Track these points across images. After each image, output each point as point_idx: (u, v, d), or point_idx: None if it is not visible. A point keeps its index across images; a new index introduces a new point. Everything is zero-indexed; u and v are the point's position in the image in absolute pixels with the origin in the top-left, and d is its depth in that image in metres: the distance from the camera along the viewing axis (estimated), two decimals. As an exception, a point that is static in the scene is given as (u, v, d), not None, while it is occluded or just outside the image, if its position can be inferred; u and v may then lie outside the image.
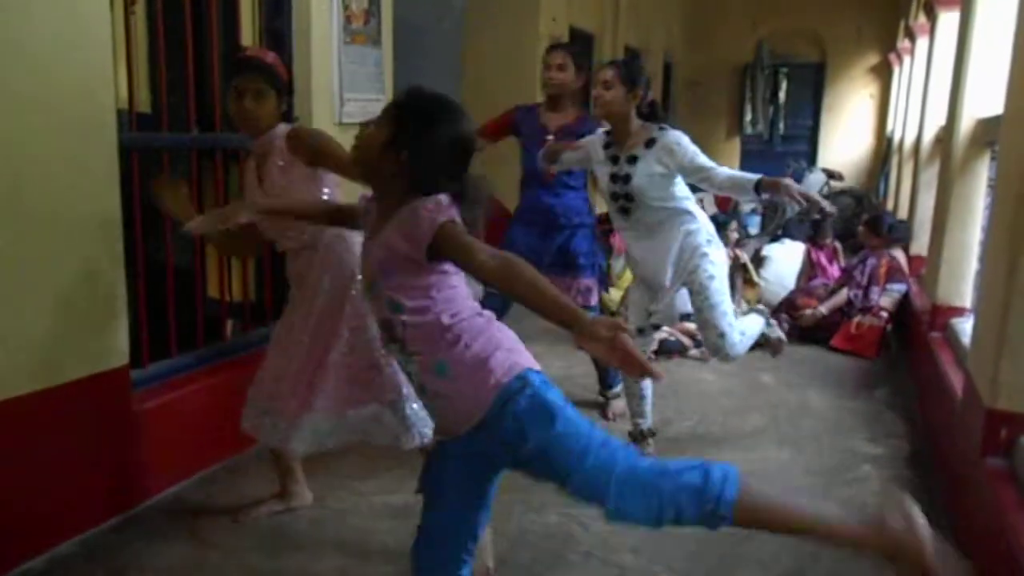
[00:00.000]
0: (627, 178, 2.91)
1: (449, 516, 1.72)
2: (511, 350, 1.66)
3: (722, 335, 2.99)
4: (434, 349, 1.63)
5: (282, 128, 2.36)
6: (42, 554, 2.36)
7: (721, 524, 1.61)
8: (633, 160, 2.91)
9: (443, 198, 1.60)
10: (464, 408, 1.63)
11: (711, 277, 2.97)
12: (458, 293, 1.67)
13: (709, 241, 3.01)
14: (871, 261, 5.08)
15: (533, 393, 1.60)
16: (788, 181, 2.77)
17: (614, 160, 2.97)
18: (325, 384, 2.34)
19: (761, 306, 4.06)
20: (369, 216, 1.76)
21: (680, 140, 2.88)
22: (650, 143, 2.90)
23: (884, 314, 4.89)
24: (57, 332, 2.35)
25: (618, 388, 3.68)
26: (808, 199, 2.72)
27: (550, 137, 3.34)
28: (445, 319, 1.63)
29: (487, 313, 1.71)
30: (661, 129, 2.92)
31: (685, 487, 1.58)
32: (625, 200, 2.95)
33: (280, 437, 2.40)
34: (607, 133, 3.04)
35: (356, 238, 2.30)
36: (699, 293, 2.98)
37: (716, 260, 3.00)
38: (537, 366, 1.67)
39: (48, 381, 2.33)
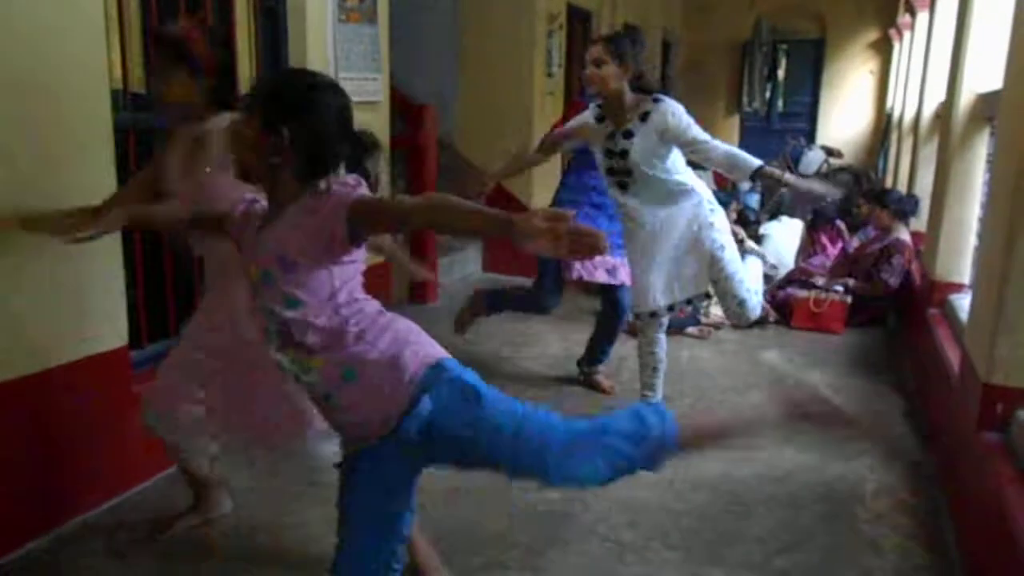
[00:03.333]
0: (624, 153, 2.89)
1: (373, 529, 1.65)
2: (419, 343, 1.60)
3: (742, 303, 3.01)
4: (338, 349, 1.55)
5: (224, 119, 2.05)
6: (44, 535, 2.38)
7: (666, 459, 1.64)
8: (629, 135, 2.89)
9: (349, 178, 1.53)
10: (378, 411, 1.56)
11: (721, 247, 2.98)
12: (357, 285, 1.60)
13: (712, 210, 3.01)
14: (898, 259, 4.84)
15: (451, 377, 1.56)
16: (791, 178, 2.74)
17: (610, 136, 2.95)
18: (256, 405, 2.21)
19: (755, 247, 4.05)
20: (250, 216, 1.65)
21: (676, 110, 2.86)
22: (645, 116, 2.88)
23: (841, 288, 4.87)
24: (56, 313, 2.36)
25: (603, 366, 3.76)
26: (810, 195, 2.71)
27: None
28: (346, 312, 1.56)
29: (388, 312, 1.63)
30: (655, 101, 2.89)
31: (626, 436, 1.59)
32: (624, 175, 2.94)
33: (198, 453, 2.33)
34: (598, 107, 3.02)
35: None
36: (713, 265, 2.98)
37: (721, 227, 3.01)
38: (448, 355, 1.62)
39: (47, 362, 2.34)
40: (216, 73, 2.14)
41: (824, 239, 5.81)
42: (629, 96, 2.90)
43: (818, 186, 2.90)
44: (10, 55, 2.15)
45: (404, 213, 1.46)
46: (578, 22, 7.18)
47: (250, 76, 3.32)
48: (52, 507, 2.42)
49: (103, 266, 2.49)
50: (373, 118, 3.84)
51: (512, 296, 3.86)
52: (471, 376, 1.60)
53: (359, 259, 1.59)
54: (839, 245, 5.71)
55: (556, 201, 3.64)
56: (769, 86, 11.08)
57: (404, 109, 4.79)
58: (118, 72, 2.72)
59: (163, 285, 2.91)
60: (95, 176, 2.42)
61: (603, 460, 1.56)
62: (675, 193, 2.95)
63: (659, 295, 3.08)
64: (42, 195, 2.27)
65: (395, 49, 3.95)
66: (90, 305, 2.46)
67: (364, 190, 1.52)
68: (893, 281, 4.83)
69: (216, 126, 2.08)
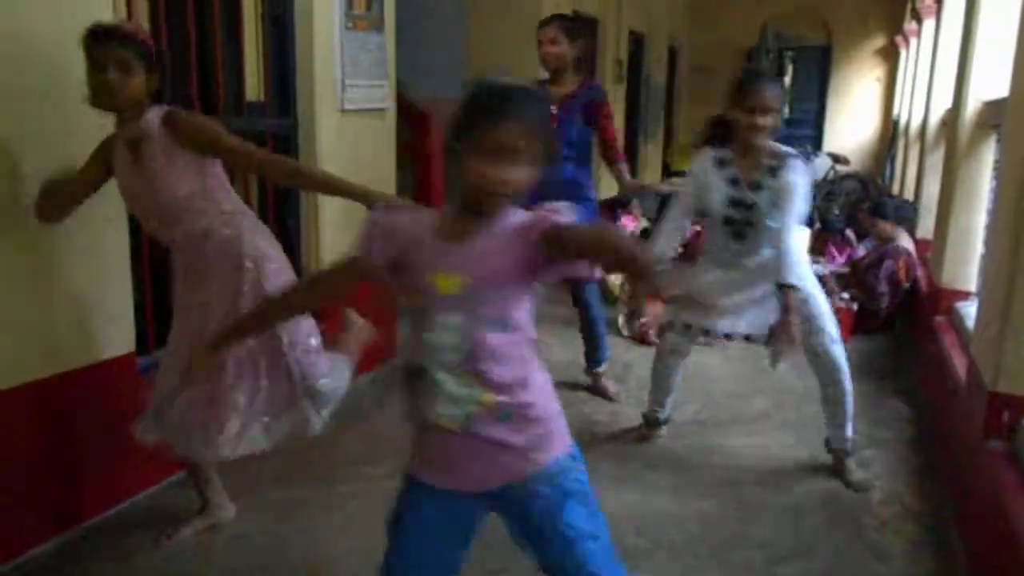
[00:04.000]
0: (751, 206, 2.77)
1: (435, 562, 1.57)
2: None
3: (835, 340, 2.87)
4: (516, 380, 1.47)
5: (155, 111, 2.14)
6: (50, 540, 2.39)
7: None
8: (757, 187, 2.76)
9: (558, 205, 1.43)
10: (515, 464, 1.48)
11: (813, 284, 2.86)
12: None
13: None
14: (888, 264, 4.85)
15: (582, 477, 1.53)
16: (794, 318, 2.62)
17: (733, 182, 2.80)
18: (244, 386, 2.23)
19: None
20: (416, 225, 1.50)
21: (800, 182, 2.73)
22: (774, 171, 2.75)
23: (847, 296, 4.86)
24: (64, 319, 2.37)
25: (603, 367, 3.77)
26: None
27: (553, 108, 3.36)
28: (531, 352, 1.51)
29: None
30: (787, 157, 2.76)
31: None
32: (744, 225, 2.81)
33: (199, 449, 2.27)
34: (720, 151, 2.85)
35: (245, 221, 2.27)
36: (805, 301, 2.78)
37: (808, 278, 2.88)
38: None
39: (56, 368, 2.35)
40: (158, 68, 2.18)
41: (832, 248, 5.81)
42: (765, 144, 2.77)
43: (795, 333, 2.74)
44: (16, 63, 2.17)
45: (582, 241, 1.36)
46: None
47: (257, 83, 3.34)
48: (58, 512, 2.43)
49: (111, 272, 2.51)
50: (381, 125, 3.85)
51: None
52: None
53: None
54: (847, 253, 5.70)
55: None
56: (775, 92, 11.07)
57: (409, 115, 4.80)
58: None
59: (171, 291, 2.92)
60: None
61: None
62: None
63: (725, 320, 2.94)
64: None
65: (400, 54, 3.97)
66: (98, 311, 2.48)
67: (572, 218, 1.42)
68: (881, 287, 4.83)
69: (154, 121, 2.13)
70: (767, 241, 2.80)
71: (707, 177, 2.83)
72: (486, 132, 1.38)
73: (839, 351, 2.89)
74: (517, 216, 1.44)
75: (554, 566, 1.52)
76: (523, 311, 1.48)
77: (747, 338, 2.95)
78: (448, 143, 1.44)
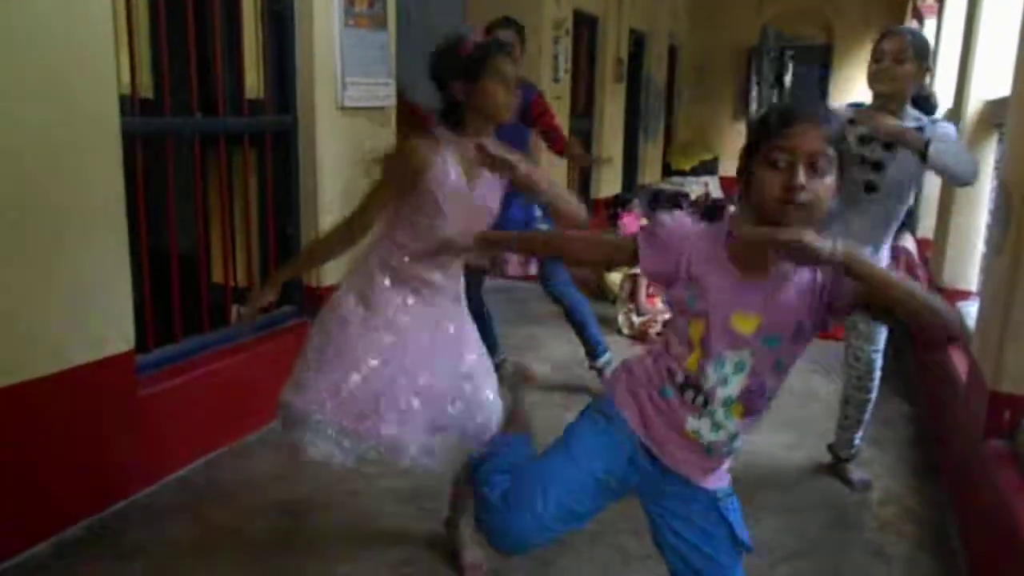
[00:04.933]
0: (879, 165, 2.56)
1: (574, 475, 1.59)
2: None
3: (878, 349, 2.78)
4: (759, 418, 1.56)
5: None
6: (48, 538, 2.38)
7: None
8: (890, 146, 2.53)
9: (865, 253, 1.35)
10: (711, 475, 1.60)
11: None
12: None
13: None
14: (889, 263, 4.90)
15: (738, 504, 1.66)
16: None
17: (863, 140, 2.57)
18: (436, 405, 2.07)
19: None
20: (710, 253, 1.46)
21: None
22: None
23: None
24: (63, 317, 2.36)
25: (602, 360, 3.72)
26: None
27: None
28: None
29: None
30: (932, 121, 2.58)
31: None
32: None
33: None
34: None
35: None
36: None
37: None
38: None
39: (54, 366, 2.34)
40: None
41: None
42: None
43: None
44: (18, 59, 2.16)
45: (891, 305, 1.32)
46: (584, 28, 7.19)
47: (257, 80, 3.33)
48: (56, 511, 2.42)
49: (111, 270, 2.50)
50: (381, 123, 3.84)
51: None
52: None
53: None
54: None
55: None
56: (776, 92, 11.07)
57: (410, 115, 4.79)
58: (126, 77, 2.73)
59: (170, 290, 2.92)
60: (102, 181, 2.44)
61: None
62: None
63: None
64: (49, 200, 2.28)
65: (400, 54, 3.96)
66: (97, 309, 2.47)
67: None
68: None
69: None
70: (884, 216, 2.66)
71: None
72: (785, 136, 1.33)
73: (879, 361, 2.82)
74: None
75: (688, 571, 1.62)
76: (800, 354, 1.49)
77: None
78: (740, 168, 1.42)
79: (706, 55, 11.21)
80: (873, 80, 2.53)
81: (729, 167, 10.59)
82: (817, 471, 2.99)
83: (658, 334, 4.58)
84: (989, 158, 3.62)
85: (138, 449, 2.66)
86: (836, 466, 2.95)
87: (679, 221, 1.52)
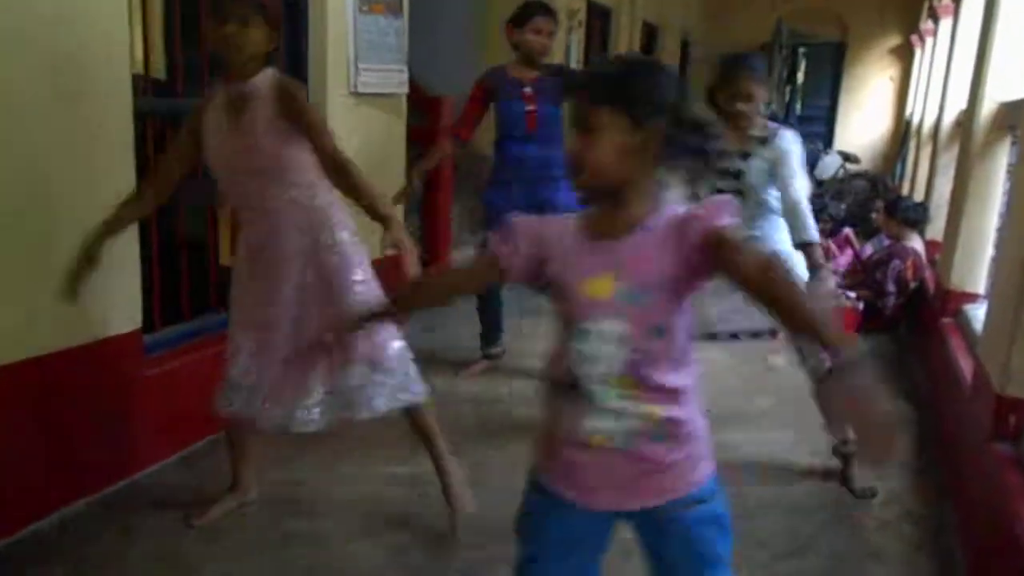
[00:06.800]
0: (738, 174, 2.79)
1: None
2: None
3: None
4: (674, 392, 1.37)
5: (269, 75, 2.13)
6: (52, 514, 2.40)
7: None
8: (746, 156, 2.78)
9: (722, 199, 1.30)
10: (666, 484, 1.38)
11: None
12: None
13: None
14: (896, 263, 4.85)
15: (724, 504, 1.44)
16: (825, 274, 2.62)
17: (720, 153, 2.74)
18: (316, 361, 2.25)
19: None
20: (557, 228, 1.40)
21: (793, 149, 2.76)
22: (765, 141, 2.78)
23: (852, 295, 4.86)
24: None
25: (497, 349, 3.89)
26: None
27: (527, 90, 3.44)
28: (693, 364, 1.40)
29: None
30: (778, 128, 2.80)
31: None
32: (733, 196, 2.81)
33: (276, 422, 2.29)
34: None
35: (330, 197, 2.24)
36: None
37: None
38: None
39: (62, 344, 2.36)
40: (279, 29, 2.16)
41: (833, 247, 5.79)
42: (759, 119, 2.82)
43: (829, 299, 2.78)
44: (32, 38, 2.16)
45: (747, 270, 1.22)
46: (597, 19, 7.17)
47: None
48: (60, 487, 2.44)
49: (119, 250, 2.50)
50: (393, 110, 3.84)
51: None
52: None
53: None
54: (848, 252, 5.69)
55: (490, 185, 3.63)
56: (788, 89, 11.03)
57: (421, 101, 4.78)
58: (139, 56, 2.73)
59: (178, 271, 2.93)
60: (114, 160, 2.44)
61: None
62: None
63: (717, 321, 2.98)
64: (61, 178, 2.28)
65: (412, 41, 3.95)
66: (105, 287, 2.47)
67: (733, 218, 1.27)
68: (889, 285, 4.82)
69: (265, 85, 2.11)
70: (761, 214, 2.81)
71: None
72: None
73: None
74: (673, 212, 1.31)
75: None
76: (681, 316, 1.35)
77: (754, 335, 2.93)
78: None
79: (718, 50, 11.16)
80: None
81: (738, 163, 10.55)
82: (817, 470, 2.99)
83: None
84: (1002, 160, 3.60)
85: (143, 428, 2.67)
86: (843, 471, 2.92)
87: (528, 219, 1.44)
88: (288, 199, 2.18)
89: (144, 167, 2.61)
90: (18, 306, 2.23)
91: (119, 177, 2.46)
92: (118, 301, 2.53)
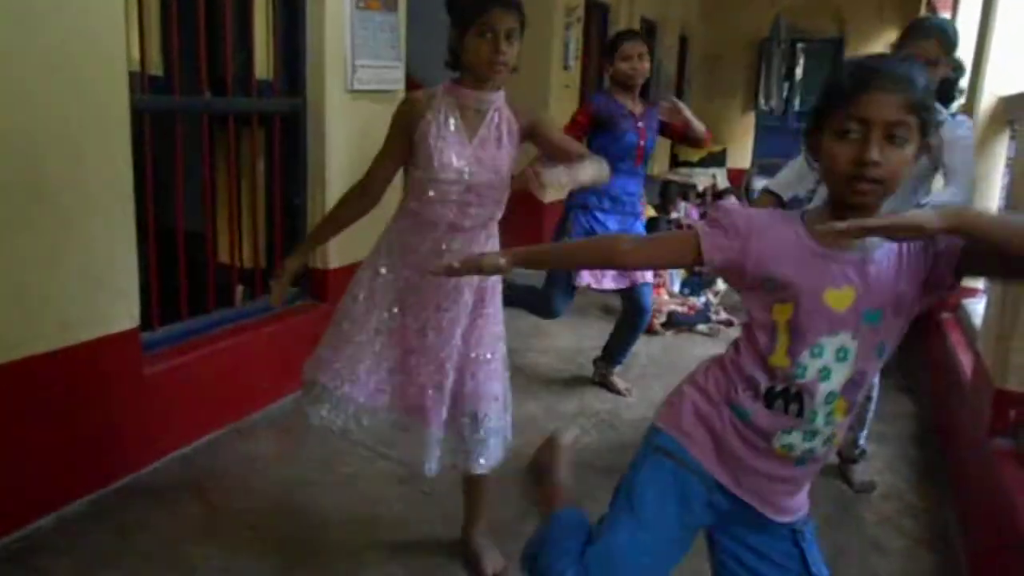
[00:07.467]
0: None
1: (649, 546, 1.42)
2: None
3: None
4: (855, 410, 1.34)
5: (504, 94, 2.02)
6: (51, 513, 2.39)
7: None
8: None
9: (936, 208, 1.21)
10: (795, 504, 1.39)
11: None
12: None
13: None
14: None
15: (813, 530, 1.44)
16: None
17: None
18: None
19: None
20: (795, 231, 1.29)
21: None
22: None
23: None
24: (69, 293, 2.36)
25: (618, 369, 3.72)
26: None
27: (640, 124, 3.40)
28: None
29: None
30: None
31: None
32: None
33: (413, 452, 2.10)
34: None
35: None
36: None
37: None
38: None
39: (60, 342, 2.35)
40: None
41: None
42: None
43: None
44: (29, 34, 2.15)
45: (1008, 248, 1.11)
46: (595, 15, 7.15)
47: (266, 62, 3.32)
48: (58, 486, 2.43)
49: (117, 248, 2.50)
50: (390, 107, 3.82)
51: (520, 292, 3.65)
52: None
53: None
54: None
55: (569, 202, 3.50)
56: (786, 85, 11.01)
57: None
58: (136, 54, 2.72)
59: (176, 269, 2.92)
60: (112, 158, 2.43)
61: None
62: None
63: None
64: (58, 176, 2.28)
65: (409, 37, 3.93)
66: (103, 286, 2.47)
67: None
68: None
69: (503, 103, 2.03)
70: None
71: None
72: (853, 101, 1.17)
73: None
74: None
75: None
76: (901, 336, 1.29)
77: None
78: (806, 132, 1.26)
79: (716, 46, 11.15)
80: None
81: (737, 158, 10.55)
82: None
83: (663, 327, 4.57)
84: (1001, 154, 3.60)
85: (142, 426, 2.67)
86: (841, 466, 2.93)
87: (743, 207, 1.38)
88: (492, 219, 2.09)
89: (140, 165, 2.61)
90: (16, 305, 2.22)
91: (116, 175, 2.45)
92: (116, 299, 2.52)
